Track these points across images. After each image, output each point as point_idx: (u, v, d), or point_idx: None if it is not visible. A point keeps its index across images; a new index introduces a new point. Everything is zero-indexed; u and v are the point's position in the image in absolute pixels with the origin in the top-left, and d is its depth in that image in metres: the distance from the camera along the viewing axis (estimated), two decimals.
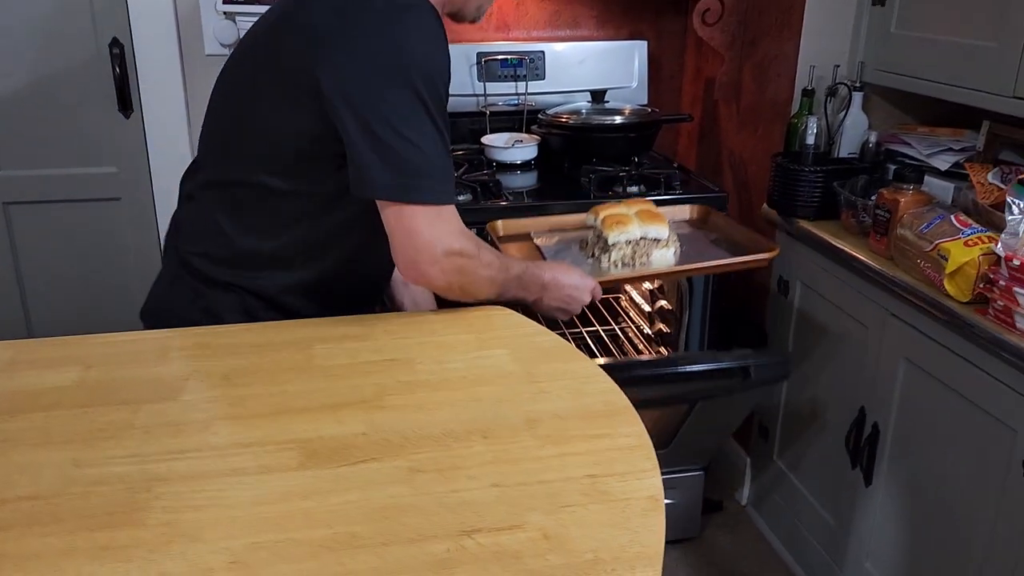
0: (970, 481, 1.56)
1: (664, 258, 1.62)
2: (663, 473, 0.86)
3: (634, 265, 1.60)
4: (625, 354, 2.40)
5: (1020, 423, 1.42)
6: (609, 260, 1.59)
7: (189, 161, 1.81)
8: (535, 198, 2.07)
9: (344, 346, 1.12)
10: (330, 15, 1.12)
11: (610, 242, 1.58)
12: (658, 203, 1.96)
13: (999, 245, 1.44)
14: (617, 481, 0.84)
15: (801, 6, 2.03)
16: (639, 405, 0.97)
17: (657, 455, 0.88)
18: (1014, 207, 1.45)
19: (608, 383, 1.03)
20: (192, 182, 1.31)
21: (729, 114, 2.42)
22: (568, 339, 2.17)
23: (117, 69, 1.70)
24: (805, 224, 1.99)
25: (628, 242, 1.60)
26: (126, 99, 1.73)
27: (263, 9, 1.70)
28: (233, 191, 1.23)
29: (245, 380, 1.03)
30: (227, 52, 1.79)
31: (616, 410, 0.97)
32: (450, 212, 1.16)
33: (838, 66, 2.04)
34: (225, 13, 1.72)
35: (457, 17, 1.32)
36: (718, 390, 1.73)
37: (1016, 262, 1.40)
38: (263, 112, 1.17)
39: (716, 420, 1.90)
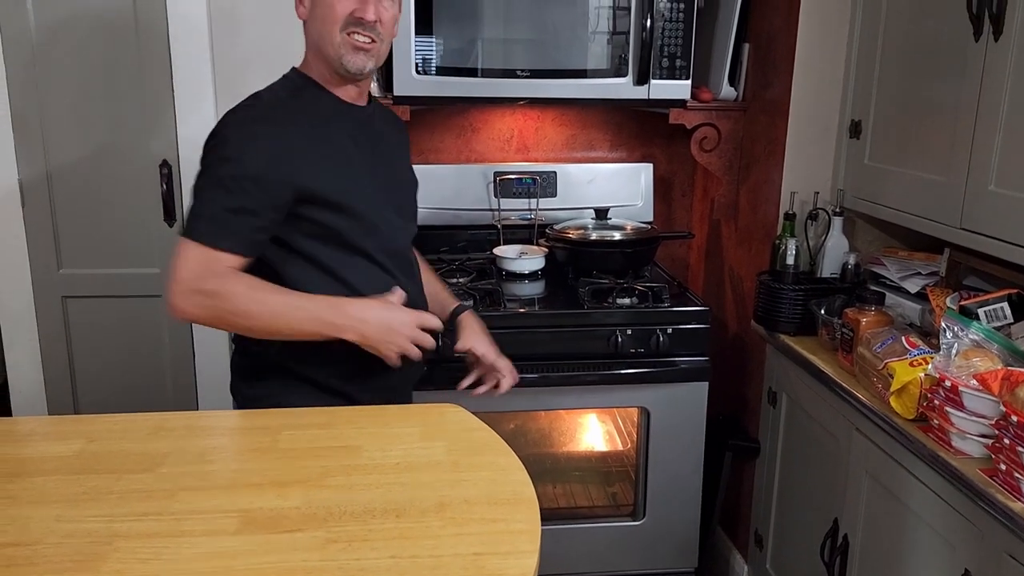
0: None
1: None
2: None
3: None
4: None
5: (958, 539, 1.48)
6: None
7: None
8: (540, 306, 2.25)
9: (308, 432, 1.30)
10: None
11: None
12: (645, 314, 2.14)
13: (931, 366, 1.53)
14: (498, 559, 0.97)
15: (784, 136, 2.20)
16: None
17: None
18: (947, 332, 1.55)
19: (522, 476, 1.16)
20: None
21: (729, 232, 2.57)
22: None
23: (164, 186, 1.98)
24: (787, 339, 2.10)
25: None
26: (170, 210, 2.00)
27: None
28: None
29: (215, 458, 1.21)
30: None
31: (520, 500, 1.10)
32: (210, 256, 1.34)
33: (818, 193, 2.18)
34: None
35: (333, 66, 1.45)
36: None
37: (948, 383, 1.49)
38: None
39: None
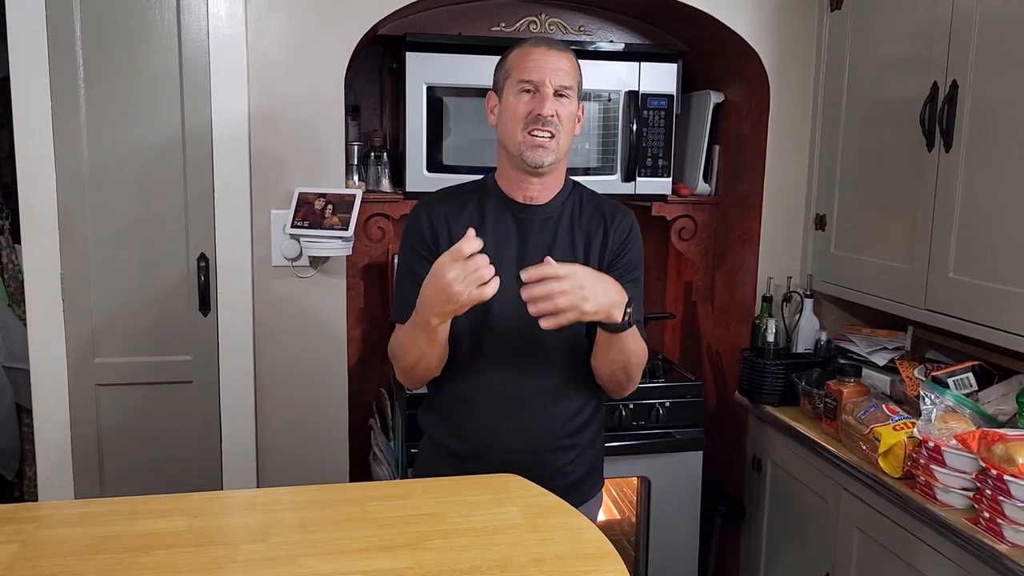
0: None
1: None
2: None
3: None
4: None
5: None
6: None
7: (252, 353, 2.19)
8: None
9: (391, 503, 1.43)
10: None
11: None
12: (645, 389, 2.33)
13: (916, 429, 1.77)
14: None
15: (758, 228, 2.47)
16: None
17: None
18: (926, 399, 1.80)
19: (598, 533, 1.32)
20: None
21: (706, 313, 2.82)
22: None
23: (202, 277, 2.11)
24: (771, 409, 2.33)
25: None
26: (206, 301, 2.12)
27: (322, 233, 2.14)
28: None
29: (315, 528, 1.33)
30: (290, 264, 2.21)
31: (603, 554, 1.26)
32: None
33: (791, 277, 2.45)
34: (291, 235, 2.15)
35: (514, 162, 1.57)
36: None
37: (931, 444, 1.72)
38: None
39: None
